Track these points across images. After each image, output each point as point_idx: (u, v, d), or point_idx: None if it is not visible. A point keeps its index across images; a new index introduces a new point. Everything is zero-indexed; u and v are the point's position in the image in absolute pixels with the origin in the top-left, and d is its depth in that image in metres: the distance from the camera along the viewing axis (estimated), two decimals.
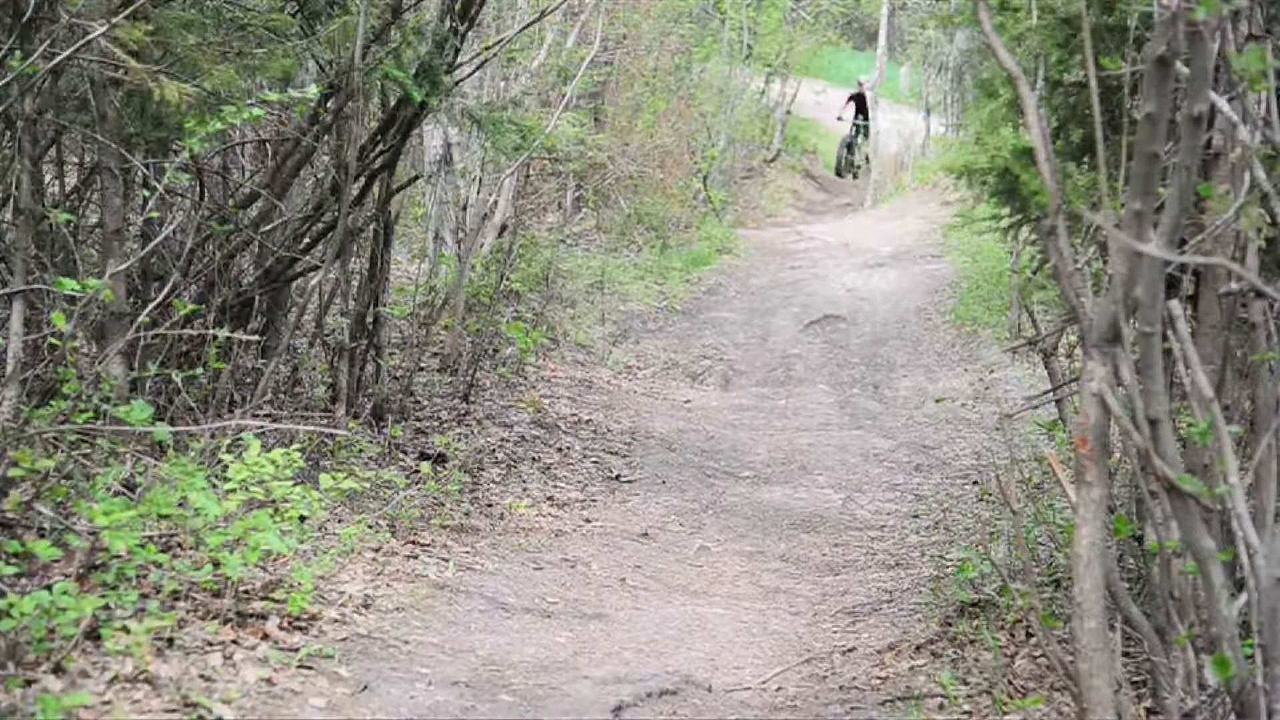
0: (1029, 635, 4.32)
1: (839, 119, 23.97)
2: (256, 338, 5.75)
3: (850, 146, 23.75)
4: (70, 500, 3.95)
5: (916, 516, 6.65)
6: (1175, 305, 2.80)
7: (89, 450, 4.21)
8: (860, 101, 23.59)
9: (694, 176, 16.69)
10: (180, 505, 3.92)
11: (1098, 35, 3.72)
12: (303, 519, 4.39)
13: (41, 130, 4.86)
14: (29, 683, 3.23)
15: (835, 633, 4.97)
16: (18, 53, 4.32)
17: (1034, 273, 5.32)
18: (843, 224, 19.04)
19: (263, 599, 4.08)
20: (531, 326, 9.17)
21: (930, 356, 10.92)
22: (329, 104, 5.94)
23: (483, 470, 6.56)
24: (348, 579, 4.59)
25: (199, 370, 4.98)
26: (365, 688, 3.74)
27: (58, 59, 4.32)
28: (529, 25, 9.48)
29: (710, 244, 15.12)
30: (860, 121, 23.52)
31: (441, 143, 9.31)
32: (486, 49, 7.65)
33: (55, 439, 4.03)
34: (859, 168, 23.61)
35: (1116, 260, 2.49)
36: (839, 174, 23.69)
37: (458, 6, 6.36)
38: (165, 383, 5.08)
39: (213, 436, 4.68)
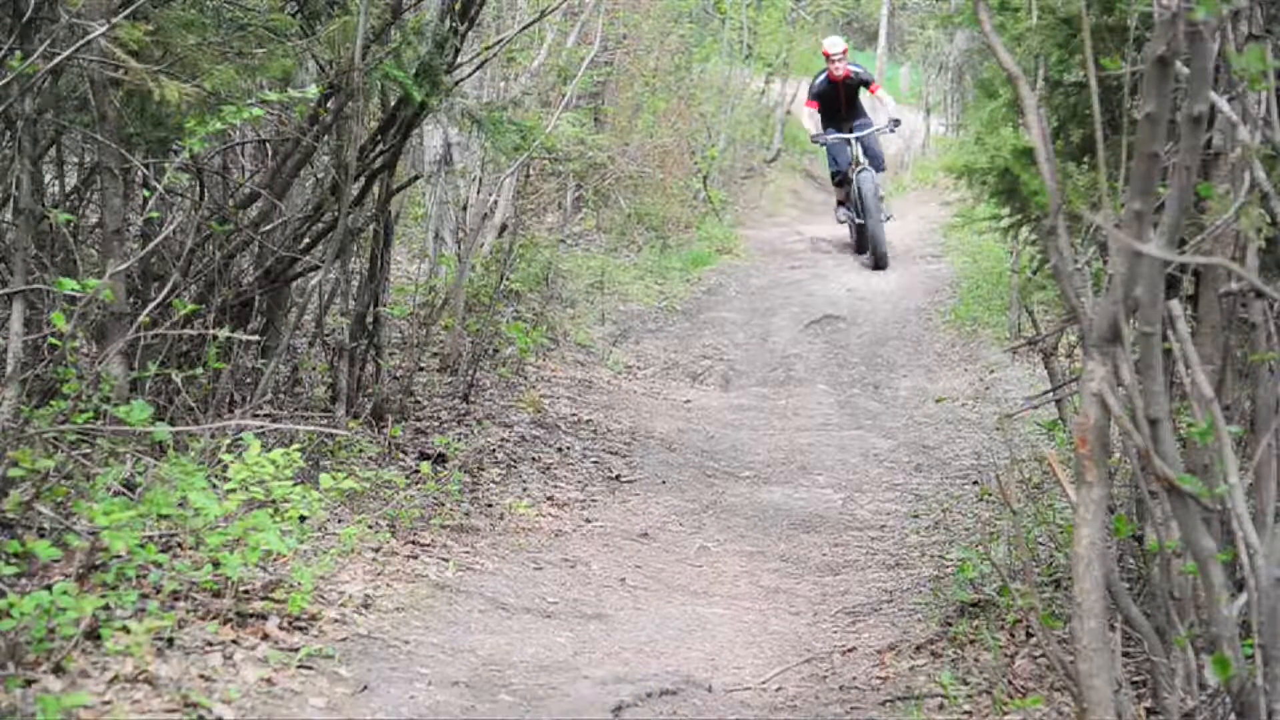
0: (1029, 635, 4.32)
1: (814, 139, 13.78)
2: (256, 338, 5.75)
3: (860, 195, 12.86)
4: (70, 500, 3.95)
5: (916, 516, 6.64)
6: (1175, 305, 2.81)
7: (89, 450, 4.21)
8: (839, 96, 13.24)
9: (694, 176, 16.69)
10: (180, 505, 3.92)
11: (1098, 35, 3.72)
12: (303, 519, 4.39)
13: (41, 130, 4.86)
14: (29, 683, 3.23)
15: (835, 633, 4.97)
16: (18, 53, 4.32)
17: (1034, 273, 5.31)
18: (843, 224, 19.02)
19: (263, 599, 4.08)
20: (531, 326, 9.16)
21: (930, 356, 10.91)
22: (329, 104, 5.94)
23: (483, 470, 6.56)
24: (348, 579, 4.59)
25: (199, 370, 4.98)
26: (365, 688, 3.74)
27: (58, 59, 4.32)
28: (529, 25, 9.48)
29: (710, 244, 15.11)
30: (858, 133, 13.08)
31: (441, 143, 9.31)
32: (486, 49, 7.65)
33: (55, 439, 4.03)
34: (888, 217, 13.42)
35: (1116, 260, 2.49)
36: (859, 250, 13.58)
37: (458, 6, 6.36)
38: (165, 383, 5.08)
39: (213, 436, 4.68)
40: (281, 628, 3.96)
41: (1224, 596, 2.64)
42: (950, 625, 4.65)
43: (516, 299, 9.85)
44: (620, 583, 5.40)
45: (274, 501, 4.23)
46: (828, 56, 13.39)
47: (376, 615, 4.37)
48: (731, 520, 6.60)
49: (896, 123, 13.03)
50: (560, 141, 11.35)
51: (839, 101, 13.35)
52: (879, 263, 12.96)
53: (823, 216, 20.42)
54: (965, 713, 3.92)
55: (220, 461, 4.41)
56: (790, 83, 22.61)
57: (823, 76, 13.36)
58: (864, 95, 13.47)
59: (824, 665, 4.56)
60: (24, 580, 3.62)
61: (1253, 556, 2.62)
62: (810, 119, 13.66)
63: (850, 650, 4.70)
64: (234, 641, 3.76)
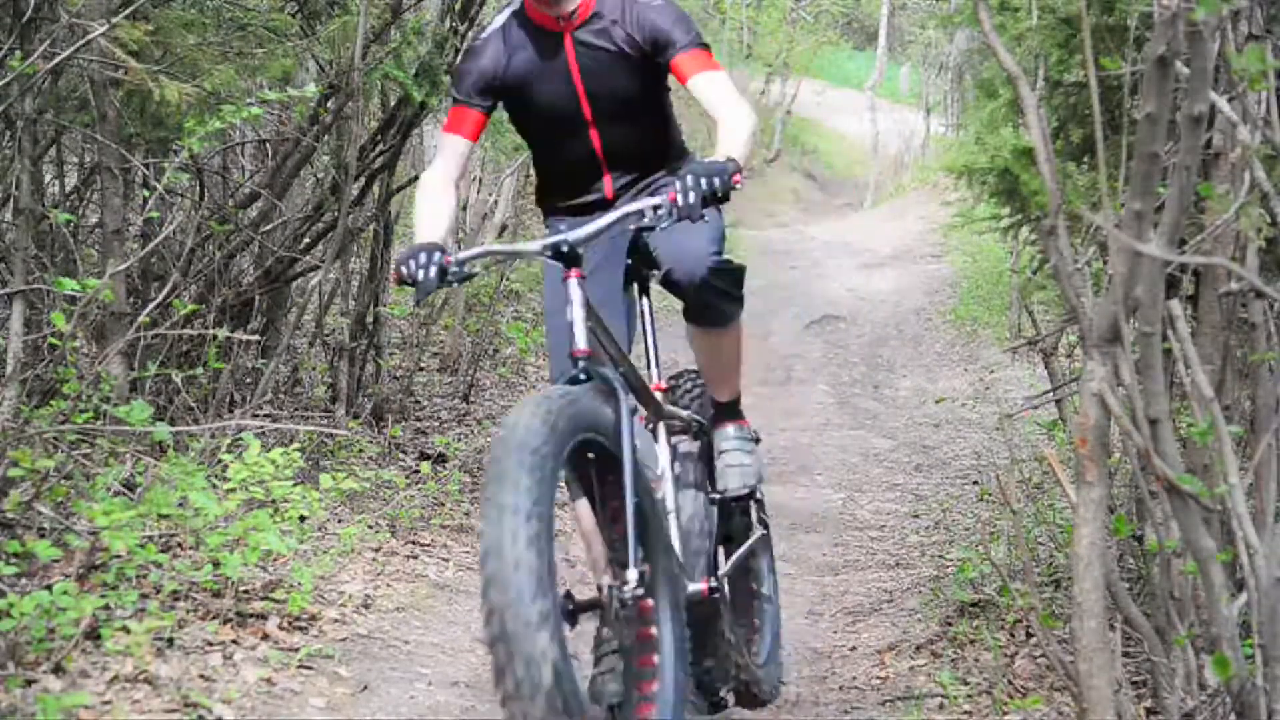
0: (1029, 635, 4.31)
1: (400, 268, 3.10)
2: (256, 338, 5.75)
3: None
4: (70, 500, 3.95)
5: (916, 516, 6.64)
6: (1175, 305, 2.80)
7: (89, 450, 4.21)
8: (570, 72, 3.41)
9: None
10: (180, 505, 3.92)
11: (1098, 35, 3.71)
12: (303, 519, 4.39)
13: (41, 130, 4.85)
14: (29, 683, 3.22)
15: (835, 633, 4.97)
16: (18, 53, 4.32)
17: (1034, 273, 5.32)
18: (843, 224, 19.04)
19: (263, 599, 4.07)
20: (531, 326, 9.16)
21: (930, 356, 10.92)
22: (329, 104, 5.94)
23: (483, 470, 6.56)
24: (348, 579, 4.59)
25: (199, 370, 4.98)
26: (365, 688, 3.74)
27: (58, 59, 4.32)
28: None
29: None
30: (630, 205, 3.03)
31: None
32: None
33: (55, 439, 4.02)
34: None
35: (1116, 260, 2.49)
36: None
37: (458, 6, 6.36)
38: (165, 383, 5.08)
39: (213, 436, 4.68)
40: (281, 628, 3.96)
41: (1224, 596, 2.64)
42: (950, 625, 4.65)
43: (516, 299, 9.85)
44: None
45: (274, 501, 4.23)
46: None
47: (376, 615, 4.37)
48: None
49: (720, 193, 3.00)
50: None
51: (574, 95, 3.65)
52: None
53: (822, 217, 20.43)
54: (965, 713, 3.92)
55: (220, 461, 4.41)
56: (791, 83, 22.62)
57: (509, 10, 3.73)
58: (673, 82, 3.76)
59: (824, 665, 4.56)
60: (24, 580, 3.62)
61: (1253, 556, 2.61)
62: (428, 180, 3.58)
63: (850, 650, 4.70)
64: (234, 641, 3.76)
